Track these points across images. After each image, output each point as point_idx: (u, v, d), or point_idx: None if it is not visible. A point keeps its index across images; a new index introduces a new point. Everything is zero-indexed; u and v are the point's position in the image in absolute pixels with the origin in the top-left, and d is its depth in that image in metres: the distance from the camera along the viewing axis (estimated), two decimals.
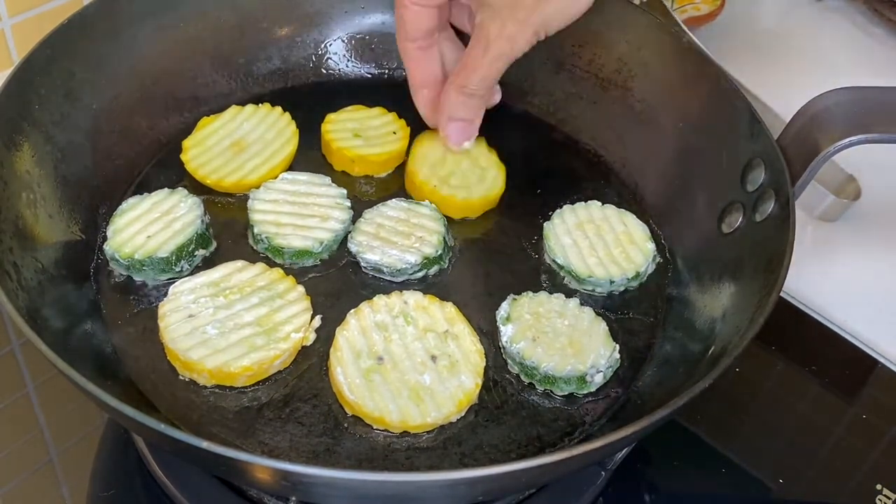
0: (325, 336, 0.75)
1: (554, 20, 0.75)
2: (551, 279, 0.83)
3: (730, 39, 1.21)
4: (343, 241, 0.83)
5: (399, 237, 0.81)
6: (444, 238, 0.82)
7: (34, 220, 0.75)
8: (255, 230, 0.81)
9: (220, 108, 0.91)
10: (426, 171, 0.87)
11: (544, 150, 0.95)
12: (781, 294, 0.68)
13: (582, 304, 0.78)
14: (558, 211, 0.86)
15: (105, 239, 0.79)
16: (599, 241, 0.83)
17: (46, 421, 0.77)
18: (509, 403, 0.73)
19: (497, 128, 0.95)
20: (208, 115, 0.91)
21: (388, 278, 0.81)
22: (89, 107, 0.84)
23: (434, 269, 0.82)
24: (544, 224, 0.85)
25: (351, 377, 0.70)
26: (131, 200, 0.82)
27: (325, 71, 1.00)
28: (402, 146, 0.91)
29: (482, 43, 0.77)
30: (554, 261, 0.83)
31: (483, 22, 0.76)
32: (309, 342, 0.75)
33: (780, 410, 0.84)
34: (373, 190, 0.90)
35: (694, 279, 0.81)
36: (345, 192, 0.85)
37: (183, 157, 0.87)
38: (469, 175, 0.87)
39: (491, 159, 0.89)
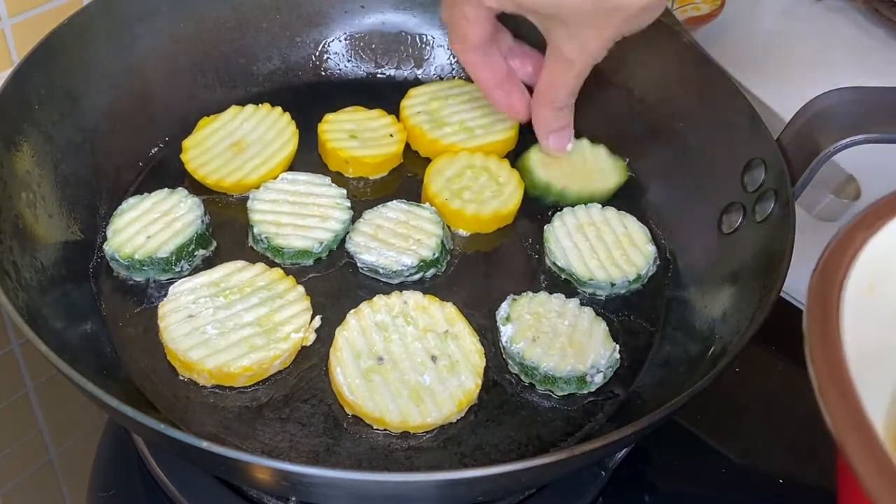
0: (325, 336, 0.75)
1: (631, 28, 0.75)
2: (551, 280, 0.83)
3: (730, 39, 1.21)
4: (343, 241, 0.83)
5: (397, 239, 0.81)
6: (443, 241, 0.82)
7: (34, 220, 0.75)
8: (255, 230, 0.81)
9: (220, 108, 0.91)
10: (440, 183, 0.86)
11: None
12: (781, 294, 0.68)
13: (582, 304, 0.78)
14: (558, 213, 0.85)
15: (105, 239, 0.79)
16: (600, 243, 0.83)
17: (46, 421, 0.77)
18: (509, 403, 0.73)
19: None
20: (208, 115, 0.91)
21: (385, 280, 0.81)
22: (89, 107, 0.84)
23: (431, 272, 0.81)
24: (545, 227, 0.85)
25: (351, 377, 0.70)
26: (131, 200, 0.82)
27: (324, 71, 1.00)
28: (398, 149, 0.91)
29: (562, 61, 0.77)
30: (554, 263, 0.82)
31: (559, 40, 0.76)
32: (309, 342, 0.75)
33: (780, 410, 0.84)
34: (367, 191, 0.89)
35: (694, 280, 0.81)
36: (345, 192, 0.85)
37: (183, 157, 0.87)
38: (484, 190, 0.87)
39: (512, 175, 0.88)
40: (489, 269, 0.83)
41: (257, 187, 0.84)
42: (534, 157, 0.90)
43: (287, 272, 0.79)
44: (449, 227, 0.85)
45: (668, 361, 0.76)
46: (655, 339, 0.79)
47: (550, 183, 0.87)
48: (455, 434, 0.71)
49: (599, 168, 0.89)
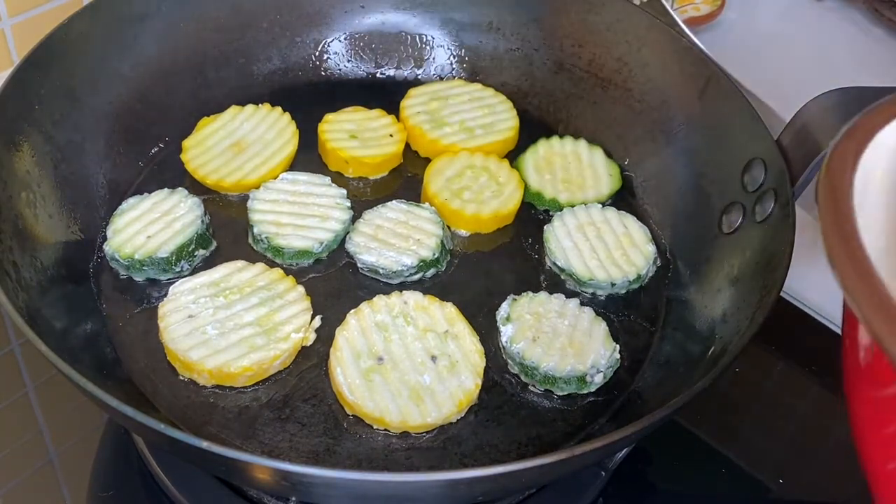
0: (325, 336, 0.75)
1: None
2: (551, 280, 0.83)
3: (730, 39, 1.21)
4: (343, 241, 0.82)
5: (397, 239, 0.81)
6: (443, 241, 0.82)
7: (34, 220, 0.75)
8: (255, 230, 0.81)
9: (220, 108, 0.91)
10: (440, 183, 0.87)
11: None
12: (781, 294, 0.68)
13: (582, 304, 0.78)
14: (558, 213, 0.85)
15: (105, 239, 0.79)
16: (600, 243, 0.83)
17: (46, 421, 0.77)
18: (509, 403, 0.73)
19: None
20: (208, 115, 0.91)
21: (385, 280, 0.81)
22: (89, 107, 0.84)
23: (431, 272, 0.81)
24: (545, 227, 0.85)
25: (351, 377, 0.70)
26: (131, 200, 0.82)
27: (324, 71, 1.00)
28: (398, 149, 0.91)
29: None
30: (555, 263, 0.82)
31: None
32: (309, 342, 0.75)
33: (780, 410, 0.84)
34: (367, 191, 0.89)
35: (694, 280, 0.81)
36: (345, 192, 0.85)
37: (183, 157, 0.87)
38: (484, 190, 0.87)
39: (512, 175, 0.88)
40: (489, 269, 0.83)
41: (257, 187, 0.84)
42: (528, 162, 0.90)
43: (287, 272, 0.79)
44: (449, 227, 0.85)
45: (668, 361, 0.76)
46: (655, 339, 0.79)
47: (542, 192, 0.87)
48: (455, 434, 0.71)
49: (594, 174, 0.89)
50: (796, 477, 0.78)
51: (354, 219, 0.83)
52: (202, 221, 0.81)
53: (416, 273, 0.80)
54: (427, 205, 0.85)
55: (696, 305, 0.79)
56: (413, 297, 0.76)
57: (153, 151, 0.90)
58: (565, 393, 0.74)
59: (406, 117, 0.93)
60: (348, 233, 0.82)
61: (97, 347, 0.73)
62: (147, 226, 0.79)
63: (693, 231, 0.84)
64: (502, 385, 0.75)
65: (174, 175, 0.87)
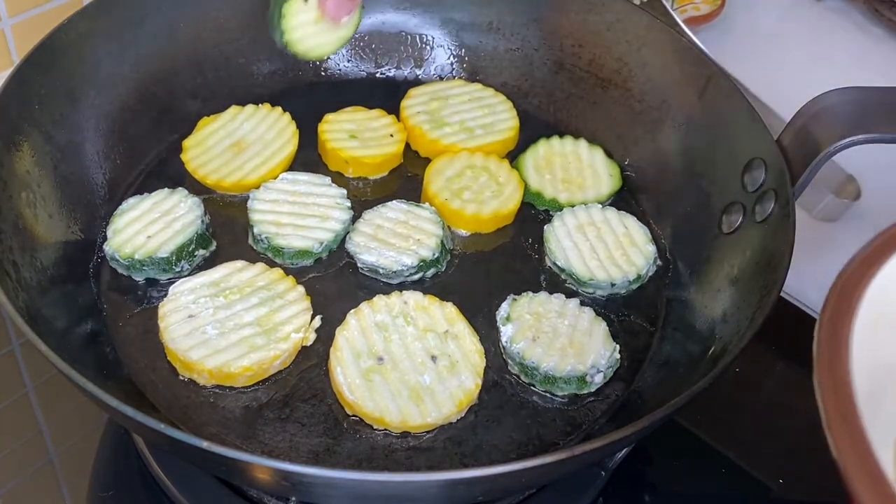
0: (325, 336, 0.75)
1: None
2: (551, 280, 0.83)
3: (730, 39, 1.21)
4: (343, 241, 0.82)
5: (397, 239, 0.81)
6: (443, 241, 0.82)
7: (34, 219, 0.75)
8: (255, 230, 0.81)
9: (220, 108, 0.91)
10: (440, 183, 0.87)
11: None
12: (781, 294, 0.68)
13: (582, 304, 0.78)
14: (559, 213, 0.85)
15: (105, 239, 0.79)
16: (600, 243, 0.83)
17: (46, 421, 0.77)
18: (509, 403, 0.73)
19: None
20: (208, 115, 0.91)
21: (385, 280, 0.81)
22: (89, 107, 0.84)
23: (431, 272, 0.81)
24: (545, 227, 0.85)
25: (351, 377, 0.70)
26: (131, 200, 0.82)
27: (324, 71, 1.00)
28: (398, 149, 0.91)
29: None
30: (555, 263, 0.82)
31: None
32: (309, 342, 0.75)
33: (780, 410, 0.84)
34: (367, 191, 0.89)
35: (694, 280, 0.81)
36: (345, 192, 0.85)
37: (183, 157, 0.87)
38: (484, 190, 0.87)
39: (512, 175, 0.88)
40: (489, 269, 0.83)
41: (257, 187, 0.84)
42: (528, 162, 0.90)
43: (287, 272, 0.79)
44: (449, 227, 0.85)
45: (668, 361, 0.76)
46: (655, 339, 0.79)
47: (542, 192, 0.87)
48: (455, 434, 0.71)
49: (594, 174, 0.89)
50: (796, 477, 0.78)
51: (354, 219, 0.83)
52: (202, 221, 0.81)
53: (416, 273, 0.80)
54: (427, 205, 0.85)
55: (696, 305, 0.79)
56: (413, 297, 0.76)
57: (153, 151, 0.90)
58: (565, 393, 0.74)
59: (406, 117, 0.93)
60: (348, 233, 0.82)
61: (97, 347, 0.74)
62: (147, 226, 0.79)
63: (693, 231, 0.84)
64: (502, 385, 0.75)
65: (174, 175, 0.87)
